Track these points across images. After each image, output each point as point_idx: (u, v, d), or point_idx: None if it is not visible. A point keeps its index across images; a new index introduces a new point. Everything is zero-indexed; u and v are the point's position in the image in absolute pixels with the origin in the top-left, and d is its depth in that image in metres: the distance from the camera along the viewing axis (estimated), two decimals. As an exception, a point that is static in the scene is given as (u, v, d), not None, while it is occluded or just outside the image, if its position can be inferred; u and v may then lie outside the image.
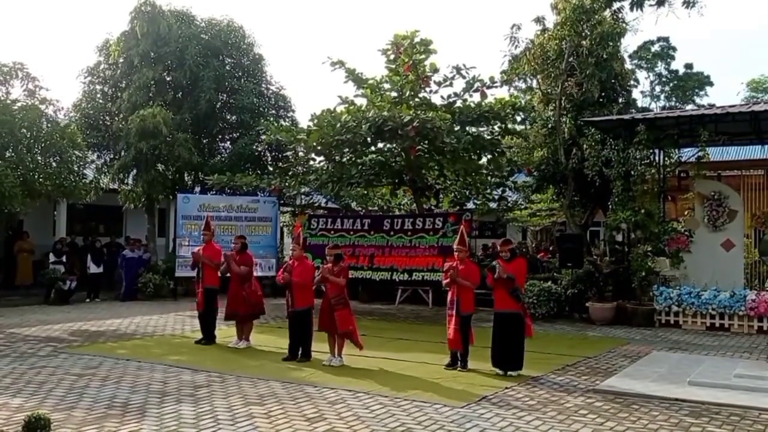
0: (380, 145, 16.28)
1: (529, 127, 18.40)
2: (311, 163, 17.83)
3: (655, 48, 40.23)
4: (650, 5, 11.83)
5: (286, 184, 17.28)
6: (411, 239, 15.22)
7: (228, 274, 10.91)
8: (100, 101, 20.96)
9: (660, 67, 40.95)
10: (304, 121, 22.08)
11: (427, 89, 16.26)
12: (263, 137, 17.74)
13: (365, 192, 20.06)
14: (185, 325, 12.90)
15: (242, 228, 16.80)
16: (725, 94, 59.39)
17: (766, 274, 15.57)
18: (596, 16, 16.95)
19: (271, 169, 20.55)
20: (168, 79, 20.61)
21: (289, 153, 19.38)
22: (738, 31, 69.69)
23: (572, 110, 17.46)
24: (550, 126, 17.82)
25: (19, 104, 15.58)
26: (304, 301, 9.55)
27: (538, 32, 17.97)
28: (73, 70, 50.15)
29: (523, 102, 16.72)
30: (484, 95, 15.87)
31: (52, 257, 17.44)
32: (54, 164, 15.87)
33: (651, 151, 15.08)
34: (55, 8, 70.51)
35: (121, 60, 20.16)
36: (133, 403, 6.96)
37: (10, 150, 15.26)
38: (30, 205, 15.32)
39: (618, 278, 15.03)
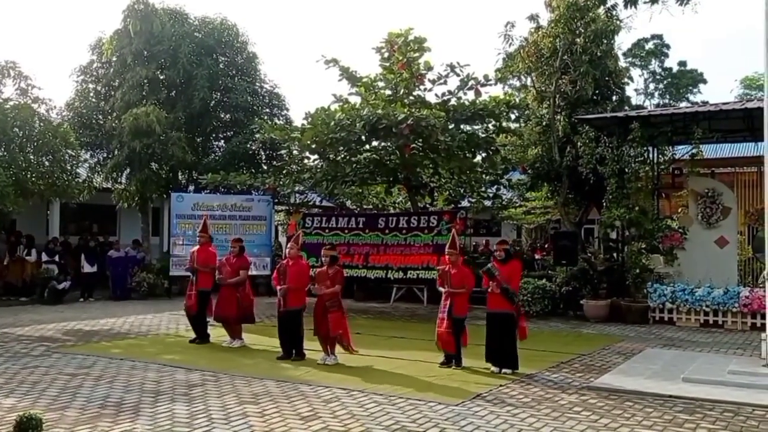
0: (375, 143, 16.25)
1: (523, 125, 18.41)
2: (305, 161, 17.80)
3: (649, 45, 40.30)
4: (644, 2, 11.79)
5: (281, 182, 17.23)
6: (406, 237, 15.23)
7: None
8: (93, 100, 20.91)
9: (654, 64, 41.03)
10: (298, 120, 22.00)
11: (422, 87, 16.22)
12: (257, 136, 17.69)
13: (360, 190, 20.04)
14: (179, 325, 12.86)
15: (236, 227, 16.76)
16: (719, 91, 59.54)
17: (760, 271, 15.62)
18: (590, 14, 16.99)
19: (265, 167, 20.50)
20: (161, 77, 20.53)
21: (283, 151, 19.37)
22: (733, 28, 69.92)
23: (566, 108, 17.48)
24: (544, 124, 17.84)
25: (11, 103, 15.52)
26: (297, 301, 9.51)
27: (532, 30, 17.97)
28: (66, 69, 50.12)
29: (517, 100, 16.72)
30: (478, 93, 15.84)
31: (45, 257, 17.38)
32: (47, 163, 15.80)
33: (645, 148, 15.11)
34: (47, 6, 70.27)
35: (114, 58, 20.10)
36: (126, 403, 6.93)
37: (2, 149, 15.22)
38: (23, 205, 15.26)
39: (612, 275, 15.07)
